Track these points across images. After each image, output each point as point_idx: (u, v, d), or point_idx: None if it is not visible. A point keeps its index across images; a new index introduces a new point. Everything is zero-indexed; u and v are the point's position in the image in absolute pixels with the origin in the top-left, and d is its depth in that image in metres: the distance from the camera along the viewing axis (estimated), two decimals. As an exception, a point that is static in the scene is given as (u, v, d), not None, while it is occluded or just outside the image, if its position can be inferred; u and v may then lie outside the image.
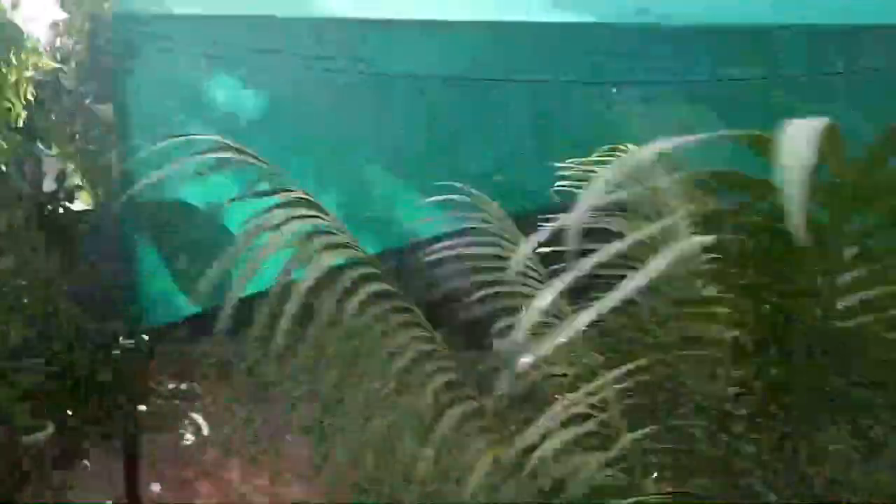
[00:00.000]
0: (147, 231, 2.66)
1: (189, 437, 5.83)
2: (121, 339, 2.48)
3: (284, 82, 2.56)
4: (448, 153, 2.31)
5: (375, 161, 2.54)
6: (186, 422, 6.01)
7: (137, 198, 2.58)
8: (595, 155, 1.82)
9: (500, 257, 1.45)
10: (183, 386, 6.63)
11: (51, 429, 5.24)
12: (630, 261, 1.81)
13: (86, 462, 5.39)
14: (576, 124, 2.42)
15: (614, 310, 1.65)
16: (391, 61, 2.32)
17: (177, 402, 6.33)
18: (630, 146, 1.80)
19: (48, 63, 5.63)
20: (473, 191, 1.54)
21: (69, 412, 5.60)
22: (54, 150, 6.53)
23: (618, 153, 1.81)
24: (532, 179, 2.22)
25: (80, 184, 6.89)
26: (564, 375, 1.43)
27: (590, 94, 2.31)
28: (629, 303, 1.59)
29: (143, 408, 6.31)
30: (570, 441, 1.24)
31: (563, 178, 1.72)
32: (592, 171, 1.74)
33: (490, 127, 2.33)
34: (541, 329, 1.41)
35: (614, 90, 2.15)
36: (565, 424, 1.27)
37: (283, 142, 2.61)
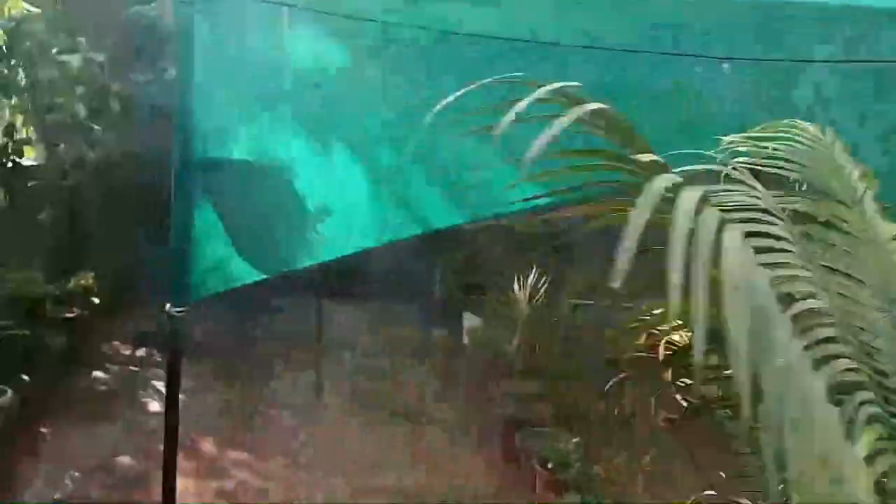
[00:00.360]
0: (208, 192, 2.44)
1: (154, 406, 5.48)
2: (167, 306, 2.27)
3: (367, 45, 2.39)
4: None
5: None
6: (149, 390, 5.66)
7: (198, 156, 2.36)
8: (757, 130, 1.74)
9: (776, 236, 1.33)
10: (140, 352, 6.27)
11: (8, 394, 4.81)
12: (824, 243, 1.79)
13: (43, 430, 4.99)
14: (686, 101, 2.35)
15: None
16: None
17: (135, 368, 5.97)
18: (798, 122, 1.76)
19: (20, 6, 5.10)
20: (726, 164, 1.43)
21: (24, 378, 5.17)
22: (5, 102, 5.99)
23: (785, 128, 1.75)
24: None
25: (26, 137, 6.37)
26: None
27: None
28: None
29: (99, 374, 5.92)
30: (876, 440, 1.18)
31: (738, 153, 1.63)
32: (766, 147, 1.67)
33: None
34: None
35: (725, 66, 2.05)
36: (869, 422, 1.21)
37: (369, 107, 2.45)
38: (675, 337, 2.39)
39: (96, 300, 6.60)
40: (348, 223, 2.51)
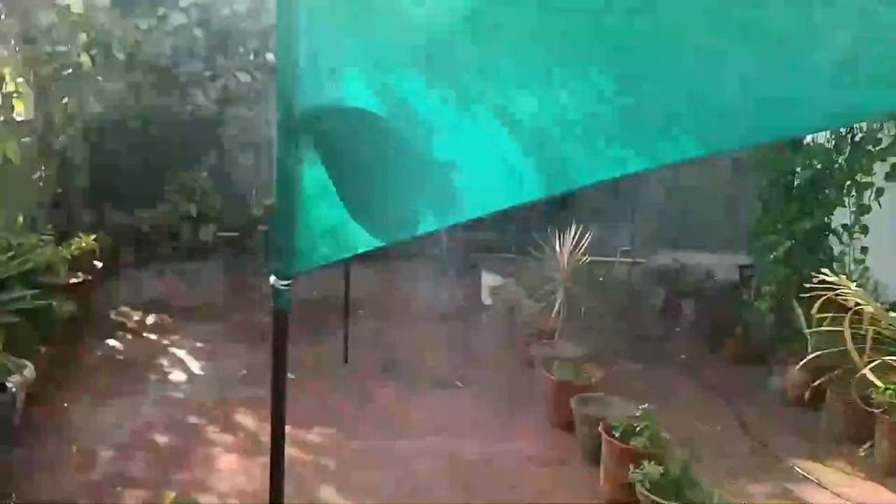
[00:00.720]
0: (314, 147, 2.03)
1: (179, 376, 5.06)
2: (271, 279, 1.85)
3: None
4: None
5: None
6: (167, 359, 5.22)
7: (304, 105, 1.95)
8: None
9: None
10: (150, 319, 5.81)
11: (29, 371, 4.34)
12: None
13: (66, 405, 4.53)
14: None
15: None
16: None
17: (152, 335, 5.51)
18: None
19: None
20: None
21: (40, 350, 4.69)
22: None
23: None
24: None
25: (17, 92, 5.77)
26: None
27: None
28: None
29: (113, 343, 5.45)
30: None
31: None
32: None
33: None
34: None
35: None
36: None
37: (506, 50, 2.05)
38: (869, 308, 2.09)
39: (99, 264, 6.12)
40: (482, 181, 2.13)
